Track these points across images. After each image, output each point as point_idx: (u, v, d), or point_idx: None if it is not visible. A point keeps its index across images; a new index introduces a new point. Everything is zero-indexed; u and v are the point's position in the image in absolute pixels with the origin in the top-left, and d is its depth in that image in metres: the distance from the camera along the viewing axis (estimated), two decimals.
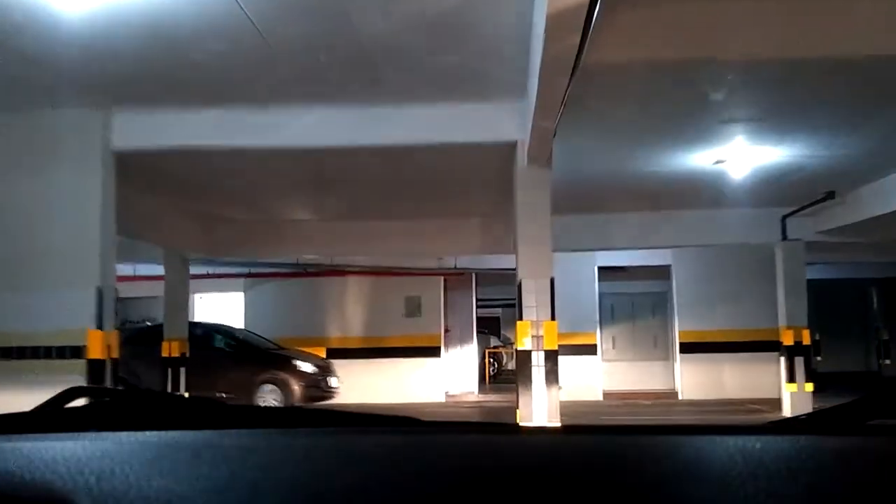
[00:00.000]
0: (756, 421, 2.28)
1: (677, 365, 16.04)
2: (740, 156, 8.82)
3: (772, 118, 7.53)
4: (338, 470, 0.83)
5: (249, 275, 16.69)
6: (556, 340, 6.90)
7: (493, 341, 22.85)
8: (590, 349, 16.10)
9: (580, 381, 15.66)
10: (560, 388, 6.98)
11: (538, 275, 6.89)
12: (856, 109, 7.44)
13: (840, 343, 22.76)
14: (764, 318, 13.93)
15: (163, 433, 0.94)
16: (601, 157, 9.15)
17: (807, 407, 11.98)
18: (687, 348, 15.89)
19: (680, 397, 15.81)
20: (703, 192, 11.15)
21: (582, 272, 16.11)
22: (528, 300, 6.83)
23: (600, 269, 16.33)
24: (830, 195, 10.97)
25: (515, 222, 7.01)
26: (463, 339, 18.14)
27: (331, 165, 9.00)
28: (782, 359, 12.52)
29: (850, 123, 7.85)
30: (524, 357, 6.73)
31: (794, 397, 12.21)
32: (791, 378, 12.32)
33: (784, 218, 12.44)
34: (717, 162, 9.02)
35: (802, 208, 11.74)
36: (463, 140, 7.13)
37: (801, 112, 7.47)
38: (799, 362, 12.32)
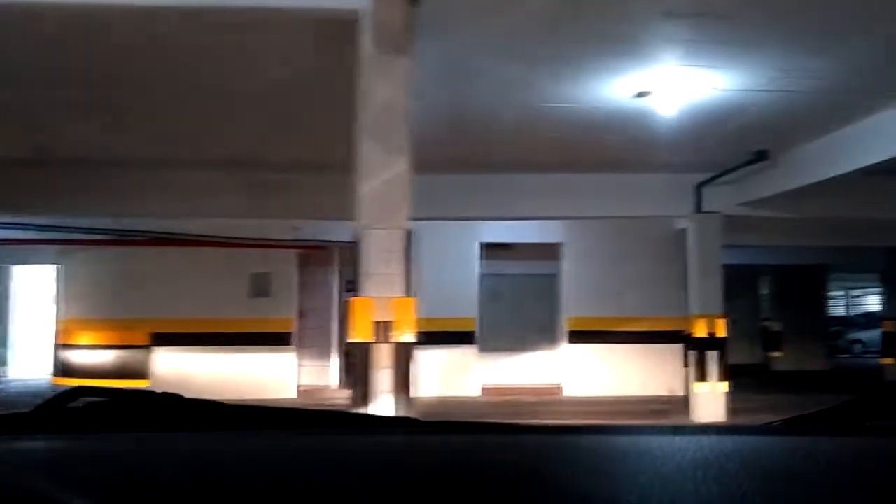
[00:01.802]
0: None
1: (567, 357, 13.99)
2: (671, 85, 6.65)
3: (731, 18, 5.34)
4: (338, 470, 0.80)
5: (61, 241, 13.53)
6: (413, 326, 4.50)
7: None
8: (466, 337, 13.84)
9: (454, 374, 13.43)
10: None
11: (387, 223, 4.44)
12: (841, 24, 5.40)
13: (736, 334, 21.59)
14: (673, 305, 11.95)
15: (163, 434, 0.99)
16: (484, 83, 6.81)
17: (719, 409, 10.14)
18: (579, 338, 13.85)
19: (568, 394, 13.78)
20: (615, 145, 8.99)
21: (461, 248, 13.83)
22: (371, 264, 4.37)
23: (483, 245, 14.09)
24: (762, 155, 9.03)
25: (355, 140, 4.52)
26: (323, 325, 15.54)
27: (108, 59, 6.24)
28: (691, 353, 10.61)
29: (824, 41, 5.79)
30: (362, 353, 4.26)
31: (704, 397, 10.30)
32: (702, 375, 10.41)
33: (700, 186, 10.47)
34: (641, 94, 6.82)
35: (726, 172, 9.78)
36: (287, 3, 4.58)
37: (769, 20, 5.35)
38: (712, 357, 10.41)
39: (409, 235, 4.47)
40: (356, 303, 4.28)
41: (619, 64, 6.26)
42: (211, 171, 10.13)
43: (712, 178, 10.12)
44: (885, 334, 17.12)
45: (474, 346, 13.99)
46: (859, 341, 26.32)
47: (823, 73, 6.26)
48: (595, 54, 6.09)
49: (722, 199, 10.51)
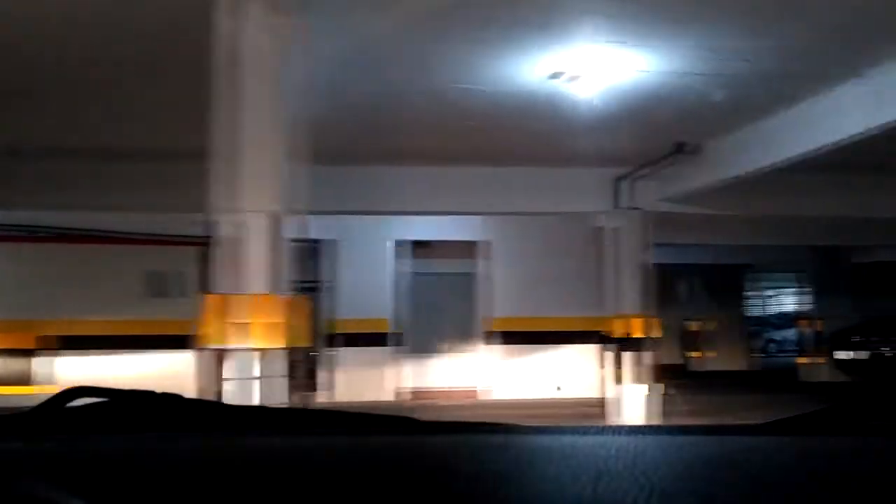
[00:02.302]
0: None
1: (488, 358, 13.48)
2: (590, 67, 6.15)
3: None
4: (338, 470, 0.81)
5: None
6: (302, 330, 3.83)
7: None
8: (381, 339, 13.21)
9: (368, 377, 12.80)
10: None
11: (252, 204, 3.75)
12: (773, 1, 4.98)
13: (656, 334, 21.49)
14: (598, 304, 11.52)
15: (163, 434, 0.98)
16: (389, 65, 6.21)
17: (639, 412, 9.76)
18: (499, 339, 13.36)
19: (488, 397, 13.29)
20: (533, 135, 8.49)
21: (376, 246, 13.21)
22: (234, 255, 3.67)
23: (399, 243, 13.48)
24: (683, 147, 8.66)
25: (216, 109, 3.82)
26: None
27: None
28: (610, 354, 10.23)
29: (755, 19, 5.39)
30: (211, 361, 3.55)
31: (625, 399, 9.92)
32: (622, 376, 10.02)
33: (619, 180, 10.08)
34: (555, 75, 6.31)
35: (645, 166, 9.40)
36: None
37: None
38: (633, 357, 10.03)
39: (277, 220, 3.79)
40: (209, 302, 3.60)
41: (533, 41, 5.74)
42: (102, 162, 9.25)
43: (632, 172, 9.73)
44: (802, 334, 17.15)
45: (390, 348, 13.37)
46: (775, 341, 26.64)
47: (752, 54, 5.86)
48: (506, 30, 5.55)
49: (643, 195, 10.15)
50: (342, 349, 12.89)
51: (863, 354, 15.33)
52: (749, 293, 24.75)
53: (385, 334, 13.27)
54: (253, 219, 3.59)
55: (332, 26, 5.43)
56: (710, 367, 19.29)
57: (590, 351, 12.62)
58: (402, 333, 13.64)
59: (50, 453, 0.88)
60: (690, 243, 14.74)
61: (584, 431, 1.00)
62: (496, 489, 0.73)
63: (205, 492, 0.73)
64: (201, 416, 1.13)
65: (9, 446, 0.91)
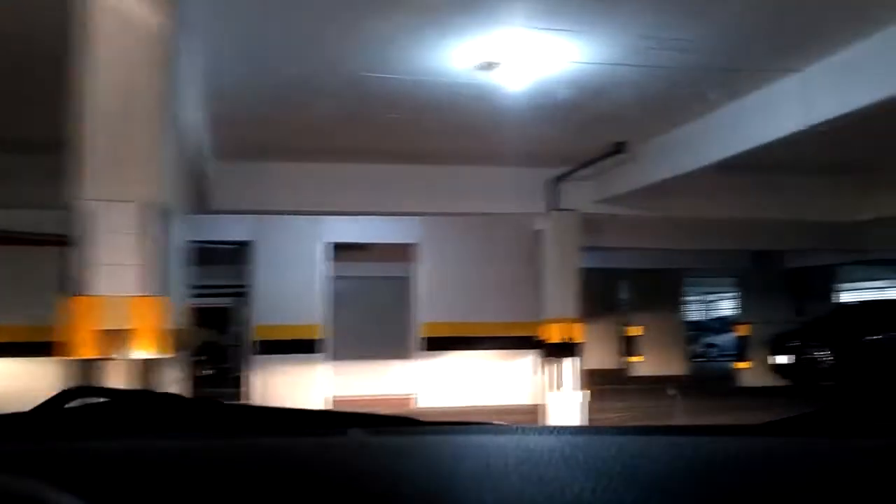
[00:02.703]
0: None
1: (420, 365, 13.08)
2: (521, 56, 5.80)
3: None
4: (338, 470, 0.80)
5: None
6: (158, 337, 3.34)
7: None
8: (311, 346, 12.69)
9: (297, 386, 12.29)
10: None
11: (125, 194, 3.26)
12: None
13: (596, 340, 21.35)
14: (534, 309, 11.18)
15: (163, 435, 0.96)
16: (300, 49, 5.77)
17: (574, 419, 9.47)
18: (434, 345, 12.95)
19: (422, 405, 12.87)
20: (463, 131, 8.12)
21: (306, 248, 12.69)
22: (103, 250, 3.19)
23: (329, 245, 12.98)
24: (620, 147, 8.39)
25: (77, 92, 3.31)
26: None
27: None
28: (547, 359, 9.92)
29: (695, 4, 5.09)
30: (84, 372, 3.07)
31: (559, 406, 9.61)
32: (557, 383, 9.71)
33: (556, 180, 9.79)
34: (485, 66, 5.95)
35: (583, 166, 9.11)
36: None
37: None
38: (568, 364, 9.73)
39: (163, 211, 3.32)
40: (73, 305, 3.12)
41: (459, 26, 5.36)
42: None
43: (569, 173, 9.44)
44: (739, 338, 17.12)
45: (321, 355, 12.87)
46: (714, 345, 26.77)
47: (692, 44, 5.56)
48: (429, 13, 5.16)
49: (579, 196, 9.88)
50: (269, 357, 12.35)
51: (799, 359, 15.32)
52: (688, 298, 24.83)
53: (315, 341, 12.76)
54: (117, 211, 3.11)
55: (240, 8, 5.00)
56: (651, 371, 19.21)
57: (526, 356, 12.31)
58: (333, 340, 13.16)
59: (50, 453, 0.87)
60: (629, 247, 14.54)
61: (585, 431, 1.04)
62: (496, 489, 0.72)
63: (205, 492, 0.72)
64: (201, 416, 1.12)
65: (9, 446, 0.91)
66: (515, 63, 5.88)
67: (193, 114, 5.57)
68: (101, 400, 1.09)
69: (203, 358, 18.65)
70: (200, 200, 8.34)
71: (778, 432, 0.94)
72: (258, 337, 12.48)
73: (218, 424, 1.08)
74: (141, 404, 1.13)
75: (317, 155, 9.25)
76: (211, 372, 17.87)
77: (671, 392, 9.97)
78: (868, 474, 0.77)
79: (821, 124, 5.88)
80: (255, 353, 12.46)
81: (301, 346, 12.48)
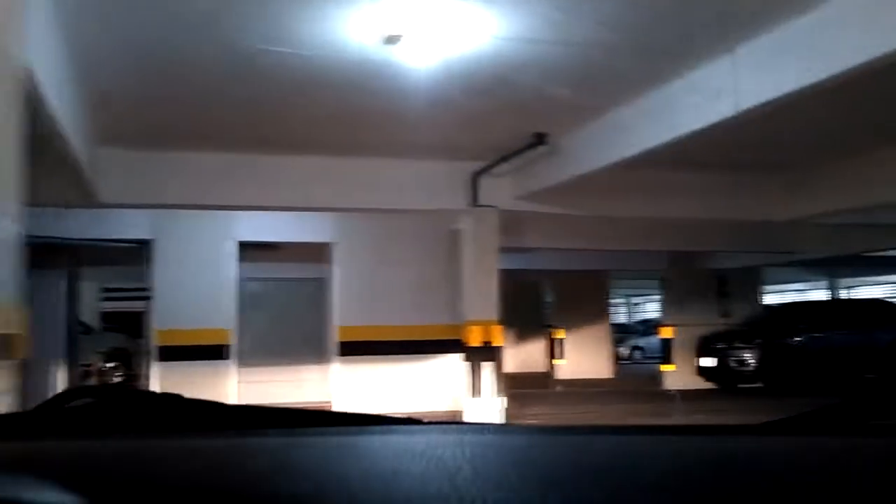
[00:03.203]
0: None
1: (337, 370, 12.41)
2: (432, 27, 5.23)
3: None
4: (338, 470, 0.79)
5: None
6: None
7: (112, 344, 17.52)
8: (221, 351, 11.92)
9: (203, 392, 11.42)
10: None
11: None
12: None
13: (520, 343, 20.98)
14: (455, 311, 10.61)
15: (163, 435, 0.97)
16: (175, 15, 5.10)
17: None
18: (351, 349, 12.29)
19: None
20: (366, 116, 7.54)
21: (213, 247, 11.92)
22: None
23: (241, 245, 12.23)
24: (540, 139, 7.92)
25: None
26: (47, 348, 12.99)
27: None
28: (466, 364, 9.41)
29: None
30: None
31: (476, 413, 9.10)
32: (476, 388, 9.21)
33: (476, 175, 9.28)
34: (391, 39, 5.37)
35: (503, 159, 8.62)
36: None
37: None
38: (487, 368, 9.22)
39: None
40: None
41: None
42: None
43: (488, 167, 8.94)
44: (663, 341, 16.89)
45: (231, 361, 12.10)
46: (640, 348, 26.76)
47: (615, 20, 5.09)
48: None
49: (499, 193, 9.40)
50: (175, 364, 11.53)
51: (725, 361, 15.15)
52: (614, 300, 24.72)
53: (226, 346, 12.00)
54: None
55: None
56: (577, 374, 18.92)
57: (447, 361, 11.77)
58: (243, 345, 12.40)
59: (50, 453, 0.86)
60: (553, 248, 14.15)
61: (585, 431, 0.99)
62: (497, 488, 0.71)
63: (205, 492, 0.71)
64: (201, 416, 1.12)
65: (9, 446, 0.90)
66: (427, 36, 5.32)
67: (59, 90, 4.87)
68: (101, 400, 1.09)
69: (112, 365, 17.72)
70: (82, 192, 7.56)
71: (778, 432, 0.95)
72: (160, 342, 11.65)
73: (217, 424, 1.08)
74: (141, 404, 1.13)
75: (219, 144, 8.57)
76: (121, 379, 16.93)
77: (671, 393, 9.61)
78: (868, 474, 0.75)
79: (754, 109, 5.48)
80: (156, 360, 11.62)
81: (208, 352, 11.69)
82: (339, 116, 7.49)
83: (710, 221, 12.15)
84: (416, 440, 0.95)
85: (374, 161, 9.14)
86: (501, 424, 1.98)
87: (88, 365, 14.74)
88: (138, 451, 0.87)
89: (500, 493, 0.69)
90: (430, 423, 1.11)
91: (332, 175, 9.19)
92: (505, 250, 12.12)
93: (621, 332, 27.30)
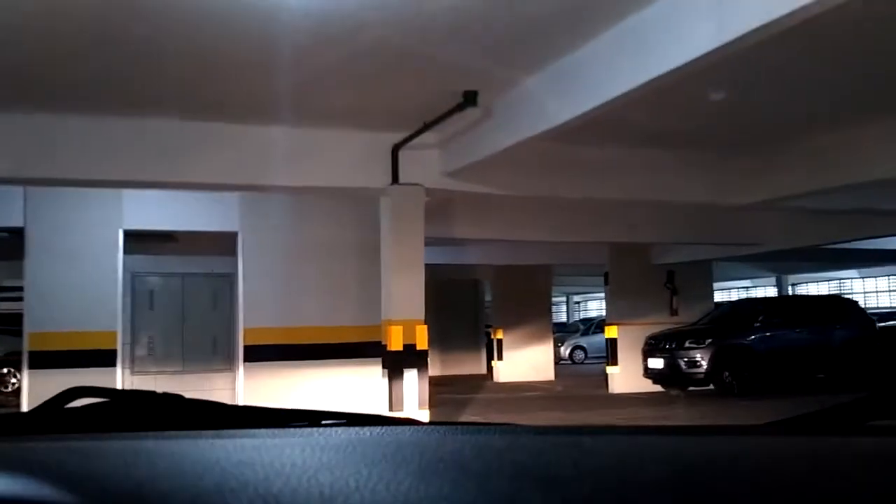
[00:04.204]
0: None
1: (243, 378, 10.84)
2: None
3: None
4: (339, 470, 0.76)
5: None
6: None
7: None
8: (107, 357, 10.25)
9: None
10: None
11: None
12: None
13: (454, 344, 19.68)
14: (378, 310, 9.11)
15: (163, 434, 0.96)
16: None
17: None
18: (258, 355, 10.73)
19: None
20: (267, 82, 6.09)
21: (96, 237, 10.24)
22: None
23: (129, 234, 10.59)
24: (471, 99, 6.53)
25: None
26: None
27: None
28: (385, 370, 7.98)
29: None
30: None
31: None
32: (398, 398, 7.79)
33: (396, 148, 7.86)
34: None
35: (427, 127, 7.20)
36: None
37: None
38: (411, 376, 7.81)
39: None
40: None
41: None
42: None
43: (411, 137, 7.52)
44: (608, 341, 15.72)
45: (118, 368, 10.44)
46: (581, 348, 25.74)
47: None
48: None
49: (425, 168, 7.99)
50: (49, 372, 9.82)
51: (675, 362, 14.03)
52: (556, 297, 23.63)
53: (113, 352, 10.33)
54: None
55: None
56: (515, 377, 17.69)
57: (370, 367, 10.31)
58: (133, 350, 10.76)
59: (50, 453, 0.85)
60: (488, 238, 12.81)
61: (585, 432, 0.99)
62: (498, 488, 0.71)
63: (205, 492, 0.70)
64: (201, 416, 1.12)
65: (9, 446, 0.89)
66: None
67: None
68: (102, 400, 1.08)
69: (6, 371, 15.91)
70: None
71: (779, 432, 0.94)
72: (32, 347, 9.96)
73: (217, 424, 1.07)
74: (141, 404, 1.13)
75: (89, 104, 6.99)
76: (16, 386, 15.15)
77: (674, 393, 8.43)
78: (870, 475, 0.74)
79: (739, 39, 4.18)
80: (27, 368, 9.93)
81: (90, 359, 10.01)
82: (233, 71, 6.04)
83: (662, 206, 10.97)
84: (416, 440, 0.93)
85: (279, 130, 7.66)
86: (501, 424, 1.06)
87: None
88: (138, 451, 0.86)
89: (500, 494, 0.68)
90: (430, 422, 1.14)
91: (229, 145, 7.67)
92: (436, 241, 10.74)
93: (562, 332, 26.29)
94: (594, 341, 24.96)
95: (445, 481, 0.70)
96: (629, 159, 8.66)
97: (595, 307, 32.06)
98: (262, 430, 0.99)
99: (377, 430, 1.04)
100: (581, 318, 31.26)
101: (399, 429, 1.06)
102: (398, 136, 7.67)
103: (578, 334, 26.76)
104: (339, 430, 1.05)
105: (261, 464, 0.76)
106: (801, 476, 0.74)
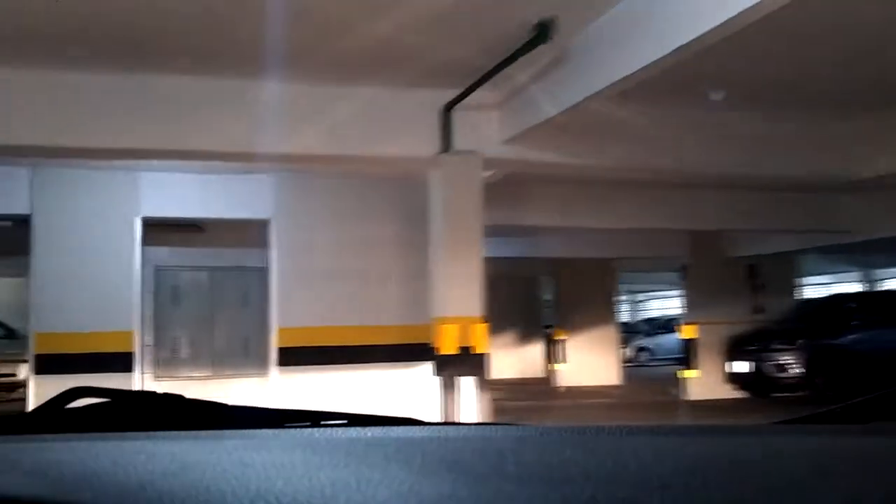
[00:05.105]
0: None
1: (278, 384, 9.56)
2: None
3: None
4: (339, 469, 0.76)
5: None
6: None
7: None
8: (124, 361, 9.06)
9: None
10: None
11: None
12: None
13: (509, 345, 18.28)
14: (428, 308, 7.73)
15: (164, 434, 0.96)
16: None
17: None
18: (294, 358, 9.44)
19: None
20: (291, 30, 4.80)
21: (110, 226, 9.08)
22: None
23: (150, 224, 9.40)
24: (543, 33, 5.13)
25: None
26: None
27: None
28: (438, 378, 6.61)
29: None
30: None
31: None
32: (453, 411, 6.43)
33: (448, 108, 6.49)
34: None
35: (486, 76, 5.82)
36: None
37: None
38: (467, 384, 6.44)
39: None
40: None
41: None
42: None
43: (467, 93, 6.14)
44: (684, 342, 14.14)
45: (138, 373, 9.27)
46: (646, 349, 24.21)
47: None
48: None
49: (481, 132, 6.61)
50: (58, 378, 8.67)
51: (761, 366, 12.47)
52: (622, 293, 22.14)
53: (130, 355, 9.15)
54: None
55: None
56: (581, 380, 16.20)
57: (420, 371, 8.97)
58: (154, 353, 9.58)
59: (50, 453, 0.85)
60: (549, 227, 11.41)
61: (586, 431, 0.98)
62: (498, 488, 0.70)
63: (205, 492, 0.69)
64: (201, 416, 1.12)
65: (10, 446, 0.90)
66: None
67: None
68: (102, 400, 1.08)
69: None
70: None
71: (780, 432, 0.94)
72: (40, 350, 8.84)
73: (217, 424, 1.07)
74: (141, 404, 1.13)
75: (87, 60, 5.81)
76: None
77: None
78: (872, 475, 0.72)
79: None
80: (34, 372, 8.82)
81: (104, 362, 8.83)
82: (247, 12, 4.79)
83: (750, 184, 9.49)
84: (416, 439, 0.93)
85: (303, 87, 6.37)
86: (501, 424, 0.96)
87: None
88: (138, 451, 0.84)
89: (500, 494, 0.67)
90: (431, 422, 1.11)
91: (241, 106, 6.40)
92: (494, 231, 9.37)
93: (624, 332, 24.87)
94: (660, 342, 23.67)
95: (446, 481, 0.69)
96: (724, 124, 7.19)
97: (657, 306, 30.43)
98: (262, 430, 0.99)
99: (377, 430, 1.05)
100: (644, 317, 29.66)
101: (399, 429, 1.06)
102: (449, 94, 6.31)
103: (642, 334, 25.23)
104: (340, 430, 1.07)
105: (261, 464, 0.75)
106: (801, 476, 0.73)
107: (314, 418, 1.14)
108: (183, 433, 0.98)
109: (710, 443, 0.90)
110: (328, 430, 1.05)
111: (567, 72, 5.64)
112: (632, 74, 4.99)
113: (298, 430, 1.05)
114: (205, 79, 6.24)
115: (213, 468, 0.74)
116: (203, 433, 0.98)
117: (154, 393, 1.10)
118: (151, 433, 0.95)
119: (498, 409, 8.05)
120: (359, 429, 1.05)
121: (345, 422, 1.15)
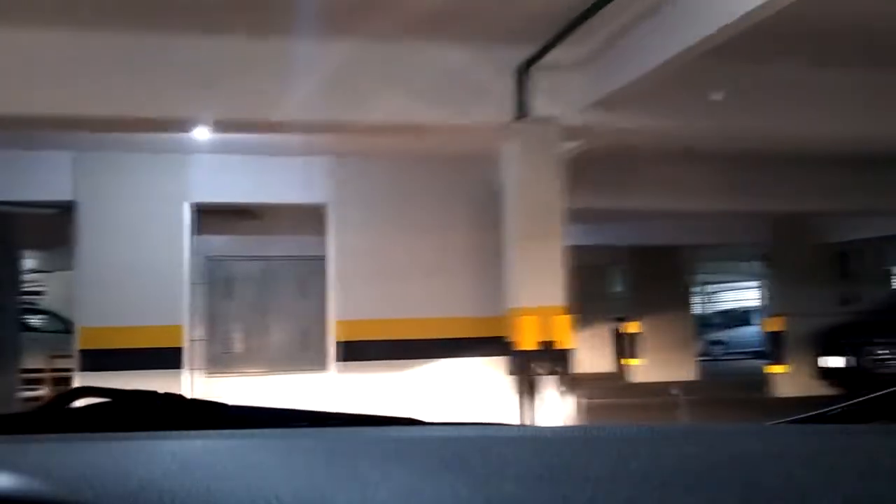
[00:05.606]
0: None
1: (338, 380, 8.91)
2: None
3: None
4: (340, 469, 0.76)
5: None
6: None
7: None
8: (173, 357, 8.51)
9: None
10: None
11: None
12: None
13: (580, 338, 17.42)
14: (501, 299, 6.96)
15: (165, 434, 0.95)
16: None
17: None
18: (354, 352, 8.78)
19: None
20: None
21: (159, 212, 8.54)
22: None
23: (201, 210, 8.84)
24: None
25: None
26: None
27: None
28: (512, 379, 5.85)
29: None
30: None
31: None
32: (532, 412, 5.67)
33: (524, 68, 5.70)
34: None
35: (568, 30, 5.03)
36: None
37: None
38: (550, 384, 5.66)
39: None
40: None
41: None
42: None
43: (543, 52, 5.35)
44: (770, 335, 13.14)
45: (188, 370, 8.72)
46: (720, 342, 23.11)
47: None
48: None
49: (561, 96, 5.81)
50: (104, 375, 8.15)
51: (860, 360, 11.45)
52: (697, 283, 21.13)
53: (179, 350, 8.60)
54: None
55: None
56: (654, 376, 15.29)
57: (491, 367, 8.22)
58: (205, 348, 9.02)
59: (50, 453, 0.84)
60: (623, 210, 10.58)
61: (586, 431, 0.99)
62: (499, 488, 0.70)
63: (207, 492, 0.69)
64: (202, 415, 1.13)
65: (11, 446, 0.89)
66: None
67: None
68: (103, 400, 1.08)
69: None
70: None
71: (781, 432, 0.93)
72: (84, 345, 8.34)
73: (217, 424, 1.08)
74: (141, 404, 1.12)
75: (109, 17, 5.19)
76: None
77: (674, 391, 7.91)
78: (873, 475, 0.72)
79: None
80: (79, 369, 8.33)
81: (152, 359, 8.30)
82: None
83: (845, 158, 8.51)
84: (416, 439, 0.93)
85: (354, 44, 5.65)
86: (502, 424, 0.88)
87: (37, 370, 11.56)
88: (138, 451, 0.85)
89: (501, 493, 0.67)
90: (431, 422, 1.09)
91: (297, 70, 5.70)
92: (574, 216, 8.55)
93: (705, 324, 23.85)
94: (734, 335, 22.64)
95: (446, 481, 0.69)
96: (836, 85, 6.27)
97: (730, 298, 29.21)
98: (263, 430, 0.99)
99: (377, 430, 1.06)
100: (716, 309, 28.47)
101: (399, 428, 1.07)
102: (525, 53, 5.52)
103: (715, 327, 24.13)
104: (340, 430, 1.07)
105: (261, 464, 0.75)
106: (807, 477, 0.72)
107: (314, 418, 1.14)
108: (184, 433, 0.98)
109: (710, 443, 0.89)
110: (328, 430, 1.06)
111: (663, 19, 4.81)
112: (750, 12, 4.15)
113: (299, 430, 1.05)
114: (222, 39, 5.54)
115: (213, 468, 0.74)
116: (204, 433, 0.98)
117: (155, 393, 1.07)
118: (152, 433, 0.95)
119: (583, 408, 7.28)
120: (359, 429, 1.06)
121: (345, 422, 1.15)
